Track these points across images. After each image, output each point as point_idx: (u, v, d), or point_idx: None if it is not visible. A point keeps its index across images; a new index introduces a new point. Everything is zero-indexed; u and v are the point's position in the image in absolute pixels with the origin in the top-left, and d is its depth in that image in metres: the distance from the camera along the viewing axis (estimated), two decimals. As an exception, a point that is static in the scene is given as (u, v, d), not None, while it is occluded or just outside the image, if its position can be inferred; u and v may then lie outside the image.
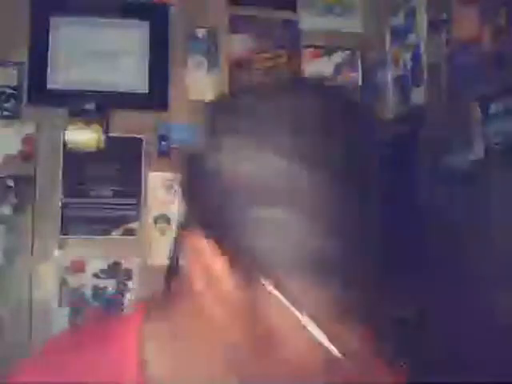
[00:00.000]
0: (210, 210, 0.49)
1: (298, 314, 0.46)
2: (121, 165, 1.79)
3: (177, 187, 1.77)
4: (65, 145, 1.75)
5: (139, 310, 0.62)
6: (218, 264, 0.48)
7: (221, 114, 0.51)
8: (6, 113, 1.74)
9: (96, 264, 1.73)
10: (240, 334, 0.50)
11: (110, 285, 1.73)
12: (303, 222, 0.46)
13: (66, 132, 1.75)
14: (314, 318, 0.46)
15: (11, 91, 1.74)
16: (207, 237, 0.48)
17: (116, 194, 1.78)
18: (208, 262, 0.49)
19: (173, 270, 0.61)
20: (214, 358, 0.55)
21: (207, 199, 0.49)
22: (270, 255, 0.46)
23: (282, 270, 0.46)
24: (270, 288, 0.47)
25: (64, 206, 1.74)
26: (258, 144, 0.47)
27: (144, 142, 1.80)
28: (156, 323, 0.59)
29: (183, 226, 0.55)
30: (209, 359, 0.56)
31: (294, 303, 0.46)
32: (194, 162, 0.51)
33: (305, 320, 0.46)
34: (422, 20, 1.57)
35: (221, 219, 0.48)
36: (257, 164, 0.47)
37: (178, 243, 0.60)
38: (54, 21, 1.80)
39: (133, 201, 1.78)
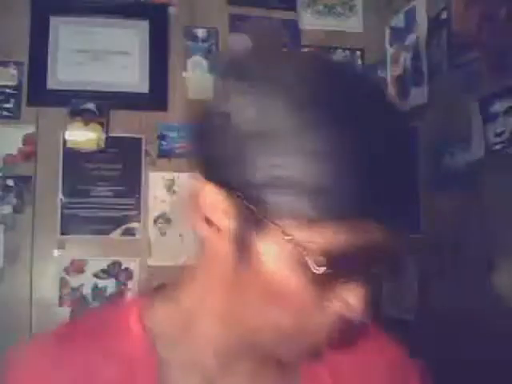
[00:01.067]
0: (219, 157, 0.51)
1: (307, 259, 0.48)
2: (121, 165, 1.79)
3: (177, 187, 1.77)
4: (65, 145, 1.76)
5: (136, 299, 0.65)
6: (221, 207, 0.51)
7: (230, 76, 0.54)
8: (5, 113, 1.74)
9: (96, 264, 1.73)
10: (244, 276, 0.52)
11: (109, 285, 1.73)
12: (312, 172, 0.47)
13: (66, 132, 1.75)
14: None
15: (11, 91, 1.74)
16: (212, 182, 0.52)
17: (116, 194, 1.78)
18: (212, 205, 0.52)
19: None
20: (213, 338, 0.59)
21: (219, 146, 0.51)
22: (280, 201, 0.48)
23: (290, 217, 0.48)
24: (278, 232, 0.49)
25: (64, 206, 1.74)
26: (264, 97, 0.50)
27: (144, 142, 1.80)
28: (155, 310, 0.62)
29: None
30: (209, 338, 0.59)
31: (300, 247, 0.48)
32: (206, 112, 0.54)
33: (310, 261, 0.48)
34: (422, 20, 1.57)
35: (231, 165, 0.50)
36: (264, 115, 0.49)
37: None
38: (54, 21, 1.80)
39: (133, 201, 1.78)
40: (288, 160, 0.48)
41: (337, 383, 0.62)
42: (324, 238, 0.48)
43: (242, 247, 0.51)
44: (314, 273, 0.49)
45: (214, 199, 0.52)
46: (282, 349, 0.55)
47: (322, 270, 0.48)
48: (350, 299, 0.51)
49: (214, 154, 0.52)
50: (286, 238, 0.49)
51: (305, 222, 0.48)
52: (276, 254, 0.50)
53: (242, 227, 0.51)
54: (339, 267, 0.49)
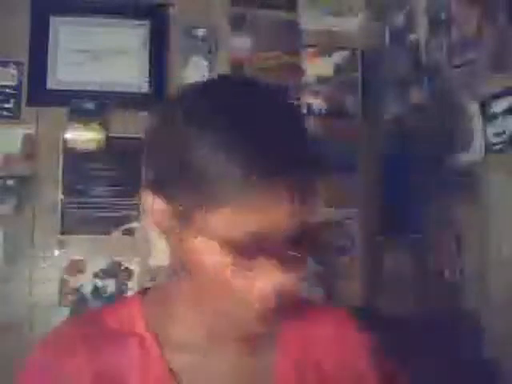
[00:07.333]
0: (161, 172, 0.61)
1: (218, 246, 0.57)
2: (121, 165, 1.79)
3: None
4: (65, 145, 1.76)
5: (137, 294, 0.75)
6: (161, 211, 0.61)
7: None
8: (5, 113, 1.74)
9: (96, 264, 1.73)
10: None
11: (110, 285, 1.73)
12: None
13: (66, 132, 1.75)
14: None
15: (11, 91, 1.74)
16: (156, 193, 0.61)
17: (116, 194, 1.78)
18: (155, 211, 0.62)
19: None
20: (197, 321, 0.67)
21: (160, 163, 0.62)
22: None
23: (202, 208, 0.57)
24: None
25: (64, 206, 1.74)
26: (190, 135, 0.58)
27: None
28: (152, 303, 0.71)
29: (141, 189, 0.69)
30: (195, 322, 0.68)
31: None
32: (150, 136, 0.64)
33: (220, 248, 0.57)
34: (422, 20, 1.57)
35: (168, 178, 0.60)
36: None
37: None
38: (54, 21, 1.80)
39: (133, 201, 1.78)
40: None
41: (307, 348, 0.72)
42: (227, 225, 0.56)
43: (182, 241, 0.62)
44: (231, 256, 0.57)
45: (161, 208, 0.62)
46: (236, 315, 0.61)
47: (229, 256, 0.57)
48: (260, 282, 0.58)
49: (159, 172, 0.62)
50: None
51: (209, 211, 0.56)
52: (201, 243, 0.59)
53: (180, 227, 0.61)
54: (244, 252, 0.56)
